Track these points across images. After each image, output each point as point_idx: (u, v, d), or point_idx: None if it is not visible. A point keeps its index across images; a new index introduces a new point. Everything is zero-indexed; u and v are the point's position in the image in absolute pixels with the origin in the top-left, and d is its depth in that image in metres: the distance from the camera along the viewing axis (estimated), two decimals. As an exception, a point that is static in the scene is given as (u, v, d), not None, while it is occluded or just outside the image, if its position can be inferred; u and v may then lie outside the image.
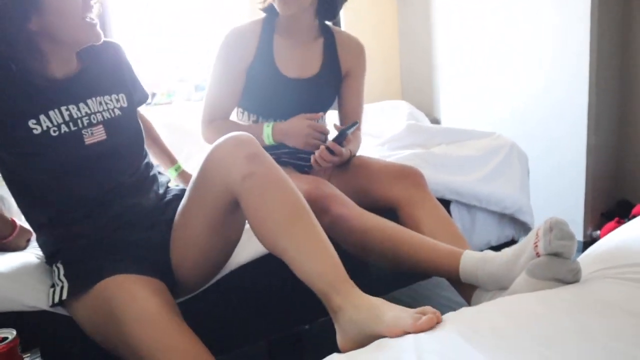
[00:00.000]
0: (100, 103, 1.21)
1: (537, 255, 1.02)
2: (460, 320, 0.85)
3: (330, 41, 1.70)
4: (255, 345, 1.52)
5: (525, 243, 1.07)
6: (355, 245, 1.35)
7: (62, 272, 1.17)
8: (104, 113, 1.21)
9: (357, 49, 1.73)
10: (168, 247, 1.22)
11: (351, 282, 0.99)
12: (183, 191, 1.32)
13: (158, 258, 1.20)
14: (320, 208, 1.34)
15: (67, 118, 1.16)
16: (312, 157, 1.51)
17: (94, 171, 1.18)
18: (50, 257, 1.22)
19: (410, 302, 1.32)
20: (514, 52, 2.56)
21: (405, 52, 3.18)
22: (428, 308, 0.90)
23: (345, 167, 1.64)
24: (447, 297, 1.92)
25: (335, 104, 1.78)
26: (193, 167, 2.10)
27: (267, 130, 1.52)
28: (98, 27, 1.14)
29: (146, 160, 1.32)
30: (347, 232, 1.34)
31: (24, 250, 1.32)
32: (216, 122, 1.60)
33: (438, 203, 1.50)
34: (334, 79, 1.70)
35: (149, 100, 1.45)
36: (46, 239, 1.23)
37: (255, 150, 1.06)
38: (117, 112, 1.23)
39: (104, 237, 1.19)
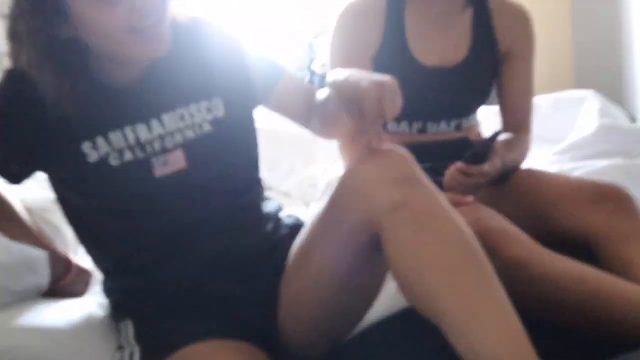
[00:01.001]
0: (182, 117, 1.20)
1: None
2: None
3: (482, 11, 1.70)
4: None
5: None
6: (537, 302, 1.31)
7: (131, 331, 1.19)
8: (185, 132, 1.20)
9: (522, 18, 1.73)
10: (273, 305, 1.22)
11: None
12: (298, 227, 1.33)
13: (258, 318, 1.21)
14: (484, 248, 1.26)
15: (132, 141, 1.17)
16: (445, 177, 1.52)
17: (170, 205, 1.20)
18: (117, 309, 1.25)
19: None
20: None
21: (580, 19, 3.10)
22: None
23: (505, 184, 1.63)
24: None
25: (494, 96, 1.77)
26: (296, 185, 2.19)
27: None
28: (157, 36, 1.10)
29: (256, 187, 1.33)
30: (524, 283, 1.30)
31: (83, 296, 1.35)
32: None
33: None
34: (489, 63, 1.71)
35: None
36: (112, 285, 1.26)
37: (409, 172, 1.07)
38: (207, 127, 1.22)
39: (187, 289, 1.21)
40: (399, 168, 1.06)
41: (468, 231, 1.05)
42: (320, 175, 2.10)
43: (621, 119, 2.47)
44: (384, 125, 1.65)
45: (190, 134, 1.20)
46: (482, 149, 1.52)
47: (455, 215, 1.06)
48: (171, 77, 1.21)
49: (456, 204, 1.34)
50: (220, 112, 1.24)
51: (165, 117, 1.19)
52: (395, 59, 1.63)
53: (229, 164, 1.25)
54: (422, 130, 1.68)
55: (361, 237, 1.09)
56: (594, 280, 1.29)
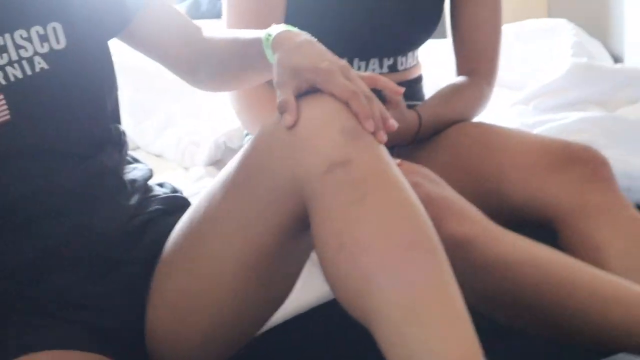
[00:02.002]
0: (2, 48, 1.18)
1: None
2: None
3: None
4: None
5: None
6: (487, 292, 1.35)
7: None
8: (7, 70, 1.18)
9: None
10: (138, 308, 1.24)
11: None
12: (175, 200, 1.37)
13: (117, 325, 1.23)
14: None
15: None
16: None
17: None
18: None
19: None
20: None
21: None
22: None
23: (441, 142, 1.68)
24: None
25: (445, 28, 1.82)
26: (172, 143, 2.18)
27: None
28: None
29: (114, 145, 1.33)
30: (469, 268, 1.32)
31: None
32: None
33: (637, 213, 1.50)
34: None
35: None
36: None
37: (354, 123, 1.08)
38: (40, 63, 1.21)
39: (20, 285, 1.21)
40: (341, 117, 1.07)
41: (419, 203, 1.07)
42: (207, 130, 2.10)
43: (601, 57, 2.54)
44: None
45: (14, 72, 1.18)
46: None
47: (403, 179, 1.08)
48: None
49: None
50: (59, 42, 1.23)
51: None
52: None
53: (72, 115, 1.24)
54: None
55: (283, 209, 1.11)
56: (556, 266, 1.31)
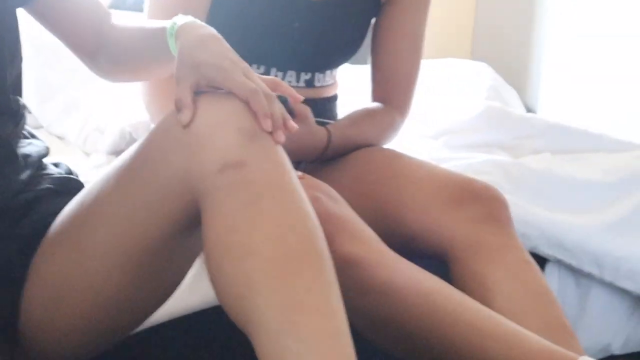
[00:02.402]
0: None
1: None
2: None
3: None
4: None
5: None
6: (370, 316, 1.35)
7: None
8: None
9: None
10: (15, 288, 1.22)
11: None
12: (68, 181, 1.35)
13: None
14: None
15: None
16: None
17: None
18: None
19: None
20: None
21: None
22: None
23: (346, 163, 1.69)
24: None
25: (365, 54, 1.83)
26: (75, 126, 2.15)
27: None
28: None
29: (9, 117, 1.31)
30: (358, 291, 1.34)
31: None
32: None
33: (529, 257, 1.51)
34: (367, 7, 1.76)
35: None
36: None
37: (252, 124, 1.07)
38: None
39: None
40: (240, 117, 1.07)
41: (313, 213, 1.07)
42: (113, 118, 2.07)
43: (513, 103, 2.61)
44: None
45: None
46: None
47: (300, 187, 1.08)
48: None
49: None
50: None
51: None
52: None
53: None
54: None
55: (173, 204, 1.10)
56: (441, 298, 1.32)
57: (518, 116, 2.17)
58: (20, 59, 1.31)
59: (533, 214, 1.77)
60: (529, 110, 2.84)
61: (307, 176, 1.49)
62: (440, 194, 1.55)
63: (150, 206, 1.12)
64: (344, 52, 1.76)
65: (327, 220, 1.31)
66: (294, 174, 1.09)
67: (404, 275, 1.35)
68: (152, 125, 1.70)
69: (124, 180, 1.16)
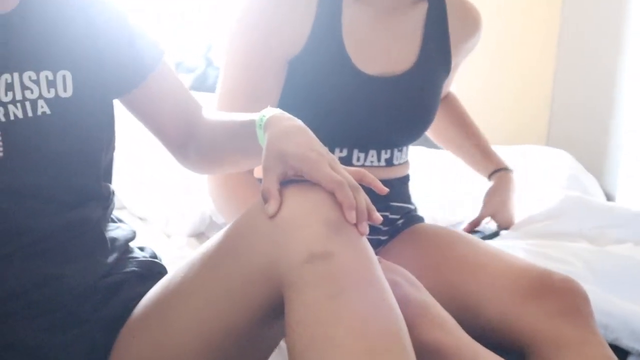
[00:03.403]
0: (8, 86, 1.17)
1: None
2: None
3: (437, 9, 1.76)
4: None
5: None
6: None
7: None
8: (9, 108, 1.16)
9: (473, 22, 1.85)
10: None
11: None
12: (153, 265, 1.35)
13: None
14: None
15: None
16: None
17: None
18: None
19: None
20: None
21: (565, 68, 3.29)
22: None
23: (425, 244, 1.70)
24: None
25: None
26: (156, 208, 2.17)
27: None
28: None
29: (98, 201, 1.31)
30: None
31: None
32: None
33: (610, 352, 1.46)
34: (441, 72, 1.79)
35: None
36: None
37: (338, 215, 1.08)
38: (43, 107, 1.20)
39: None
40: (326, 208, 1.07)
41: (396, 306, 1.06)
42: (194, 201, 2.10)
43: (594, 192, 2.55)
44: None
45: (15, 111, 1.17)
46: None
47: (384, 280, 1.07)
48: (8, 34, 1.19)
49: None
50: (66, 90, 1.22)
51: None
52: (326, 63, 1.63)
53: (65, 163, 1.23)
54: (344, 162, 1.67)
55: (256, 293, 1.10)
56: None
57: (599, 205, 2.16)
58: (113, 148, 1.34)
59: (615, 305, 1.71)
60: (608, 197, 2.80)
61: (385, 261, 1.47)
62: (518, 286, 1.53)
63: (234, 294, 1.12)
64: (423, 123, 1.77)
65: (408, 306, 1.33)
66: (378, 266, 1.09)
67: None
68: (219, 214, 1.72)
69: (208, 268, 1.16)
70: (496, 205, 2.01)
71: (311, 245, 1.05)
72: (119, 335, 1.23)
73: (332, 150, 1.67)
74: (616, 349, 1.61)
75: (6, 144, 1.16)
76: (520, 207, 2.23)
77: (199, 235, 2.05)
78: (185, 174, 2.15)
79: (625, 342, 1.69)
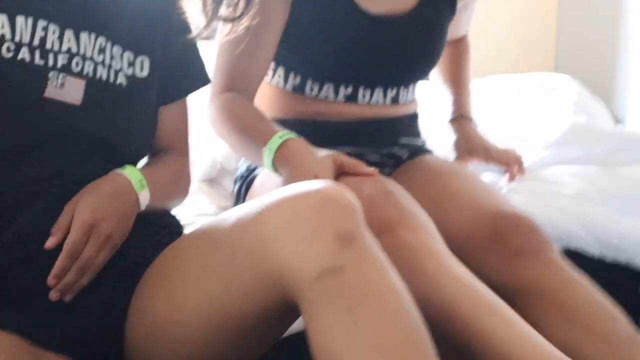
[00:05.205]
0: (102, 49, 1.30)
1: None
2: None
3: None
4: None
5: None
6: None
7: None
8: (98, 67, 1.29)
9: None
10: (119, 315, 1.23)
11: None
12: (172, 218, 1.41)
13: (96, 328, 1.21)
14: (378, 229, 1.23)
15: (37, 41, 1.22)
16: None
17: (38, 138, 1.22)
18: None
19: None
20: None
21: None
22: None
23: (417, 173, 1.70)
24: None
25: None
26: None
27: (271, 150, 1.46)
28: None
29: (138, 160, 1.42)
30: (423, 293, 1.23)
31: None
32: (232, 97, 1.63)
33: (572, 276, 1.43)
34: (446, 12, 1.77)
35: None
36: None
37: (351, 226, 1.06)
38: (121, 79, 1.32)
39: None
40: (343, 218, 1.06)
41: (414, 310, 1.04)
42: (204, 147, 2.09)
43: (603, 118, 2.52)
44: (302, 88, 1.72)
45: (101, 72, 1.29)
46: None
47: (400, 285, 1.05)
48: (114, 6, 1.33)
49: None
50: (143, 71, 1.36)
51: (84, 36, 1.28)
52: (328, 2, 1.63)
53: (122, 129, 1.32)
54: (351, 99, 1.68)
55: (268, 297, 1.10)
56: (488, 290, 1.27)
57: (605, 131, 2.15)
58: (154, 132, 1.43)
59: (626, 226, 1.73)
60: (617, 120, 2.77)
61: (379, 174, 1.47)
62: (479, 233, 1.49)
63: (246, 290, 1.12)
64: (428, 62, 1.77)
65: (385, 213, 1.33)
66: (392, 274, 1.07)
67: (476, 289, 1.27)
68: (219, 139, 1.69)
69: (222, 255, 1.16)
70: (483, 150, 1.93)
71: (322, 260, 1.04)
72: (137, 291, 1.24)
73: (337, 88, 1.68)
74: (629, 271, 1.65)
75: (86, 95, 1.25)
76: (527, 135, 2.23)
77: (211, 181, 2.05)
78: (195, 120, 2.18)
79: (639, 262, 1.71)
